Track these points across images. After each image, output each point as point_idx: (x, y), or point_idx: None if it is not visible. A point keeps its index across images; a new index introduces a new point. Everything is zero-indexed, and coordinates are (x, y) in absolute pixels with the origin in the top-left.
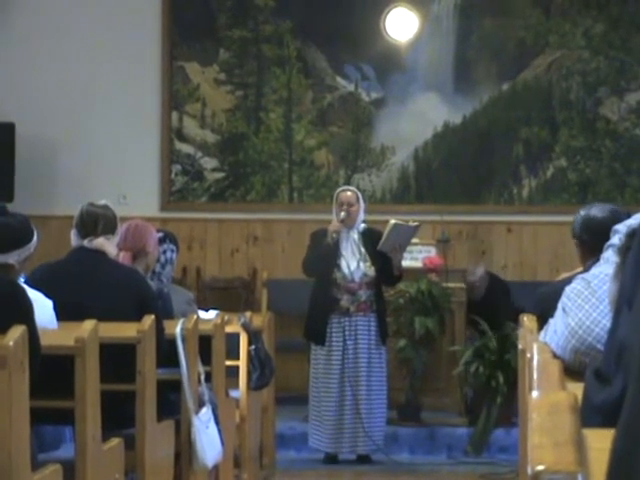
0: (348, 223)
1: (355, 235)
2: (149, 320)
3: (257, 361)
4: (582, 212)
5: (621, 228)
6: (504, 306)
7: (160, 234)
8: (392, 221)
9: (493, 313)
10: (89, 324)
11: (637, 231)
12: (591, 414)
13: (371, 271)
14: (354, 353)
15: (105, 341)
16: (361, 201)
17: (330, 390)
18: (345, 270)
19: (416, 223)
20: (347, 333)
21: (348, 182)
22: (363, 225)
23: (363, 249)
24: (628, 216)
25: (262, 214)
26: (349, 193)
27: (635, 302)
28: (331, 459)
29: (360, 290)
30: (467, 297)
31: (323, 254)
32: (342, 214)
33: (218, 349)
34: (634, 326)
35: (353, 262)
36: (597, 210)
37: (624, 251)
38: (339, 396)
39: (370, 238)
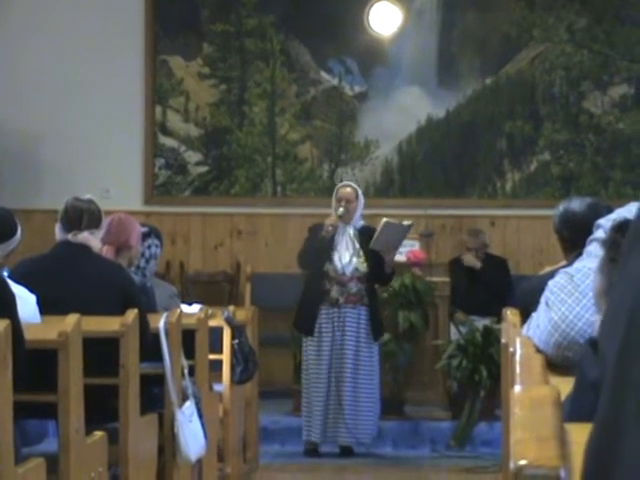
0: (346, 219)
1: (351, 231)
2: (132, 314)
3: (240, 355)
4: (561, 207)
5: (604, 223)
6: (503, 277)
7: (145, 229)
8: (384, 219)
9: (492, 283)
10: (72, 318)
11: (629, 227)
12: (584, 389)
13: (363, 267)
14: (341, 345)
15: (88, 335)
16: (360, 198)
17: (320, 381)
18: (337, 263)
19: (409, 222)
20: (336, 324)
21: (332, 176)
22: (361, 222)
23: (358, 245)
24: (608, 210)
25: (246, 208)
26: (349, 189)
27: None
28: (312, 451)
29: (351, 283)
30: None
31: (318, 247)
32: (340, 210)
33: (201, 343)
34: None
35: (346, 256)
36: (576, 205)
37: (610, 245)
38: (328, 387)
39: (366, 236)
